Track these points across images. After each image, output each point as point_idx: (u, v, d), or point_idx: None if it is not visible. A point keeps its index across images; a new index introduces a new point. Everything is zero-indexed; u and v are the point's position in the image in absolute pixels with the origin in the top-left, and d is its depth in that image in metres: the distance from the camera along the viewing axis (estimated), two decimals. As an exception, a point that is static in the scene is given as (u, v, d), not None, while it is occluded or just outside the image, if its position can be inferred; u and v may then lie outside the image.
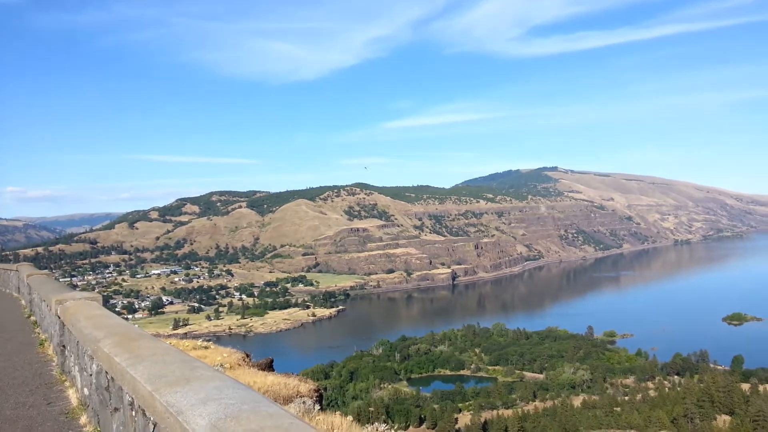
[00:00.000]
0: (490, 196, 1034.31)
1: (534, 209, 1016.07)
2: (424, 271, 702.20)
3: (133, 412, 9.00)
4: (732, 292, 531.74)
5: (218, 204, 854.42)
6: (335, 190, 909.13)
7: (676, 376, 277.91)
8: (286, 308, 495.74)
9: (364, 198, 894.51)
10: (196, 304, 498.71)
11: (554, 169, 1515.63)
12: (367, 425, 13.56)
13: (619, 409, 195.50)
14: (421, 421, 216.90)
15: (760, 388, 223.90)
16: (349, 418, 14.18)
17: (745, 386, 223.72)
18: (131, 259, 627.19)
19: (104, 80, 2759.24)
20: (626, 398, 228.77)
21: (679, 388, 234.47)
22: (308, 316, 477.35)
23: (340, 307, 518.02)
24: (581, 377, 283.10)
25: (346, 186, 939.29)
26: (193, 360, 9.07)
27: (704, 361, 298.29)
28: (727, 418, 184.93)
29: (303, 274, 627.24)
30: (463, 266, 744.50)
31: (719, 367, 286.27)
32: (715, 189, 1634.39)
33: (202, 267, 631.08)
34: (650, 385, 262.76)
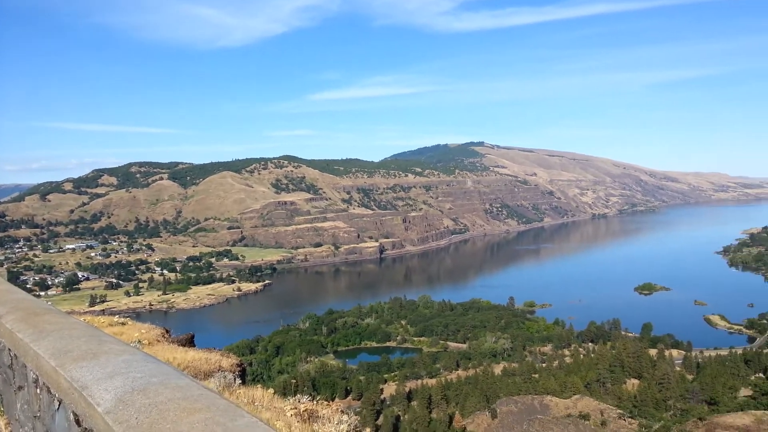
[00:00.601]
0: (419, 170, 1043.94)
1: (461, 183, 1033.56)
2: (352, 245, 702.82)
3: (38, 390, 8.49)
4: (643, 264, 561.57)
5: (138, 176, 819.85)
6: (262, 163, 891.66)
7: (590, 344, 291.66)
8: (210, 283, 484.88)
9: (292, 171, 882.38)
10: (115, 280, 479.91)
11: (481, 144, 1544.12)
12: (289, 397, 12.17)
13: (537, 375, 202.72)
14: (347, 393, 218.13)
15: (666, 353, 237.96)
16: (271, 390, 12.84)
17: (653, 351, 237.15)
18: (43, 233, 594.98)
19: (11, 41, 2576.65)
20: (544, 365, 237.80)
21: (593, 355, 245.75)
22: (233, 291, 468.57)
23: (267, 282, 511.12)
24: (502, 346, 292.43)
25: (274, 158, 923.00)
26: (102, 334, 8.64)
27: (617, 329, 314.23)
28: (636, 381, 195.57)
29: (228, 248, 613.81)
30: (391, 240, 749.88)
31: (630, 335, 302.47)
32: (631, 165, 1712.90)
33: (121, 241, 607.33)
34: (566, 352, 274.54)
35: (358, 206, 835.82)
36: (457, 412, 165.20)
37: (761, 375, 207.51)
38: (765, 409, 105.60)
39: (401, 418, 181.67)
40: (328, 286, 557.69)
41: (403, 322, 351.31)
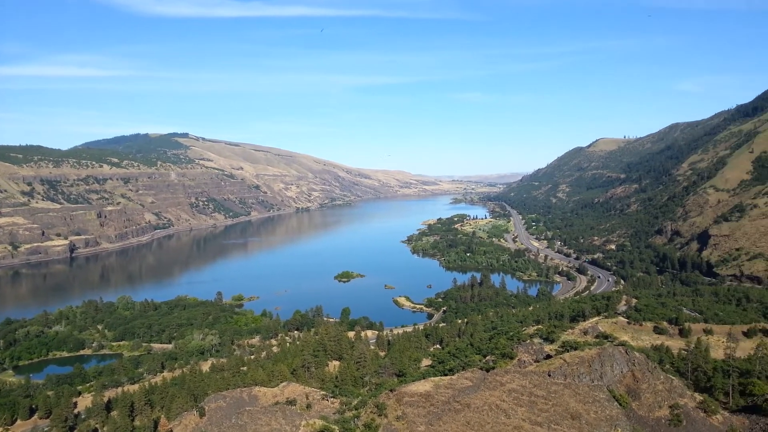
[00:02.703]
0: (116, 160, 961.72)
1: (164, 176, 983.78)
2: (35, 244, 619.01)
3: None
4: (342, 253, 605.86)
5: None
6: None
7: (296, 332, 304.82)
8: None
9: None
10: None
11: (185, 135, 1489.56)
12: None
13: (245, 368, 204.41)
14: (32, 412, 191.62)
15: (363, 334, 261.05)
16: None
17: (351, 334, 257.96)
18: None
19: None
20: (252, 357, 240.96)
21: (298, 342, 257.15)
22: None
23: None
24: (210, 342, 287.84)
25: None
26: None
27: (319, 315, 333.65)
28: (337, 362, 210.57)
29: None
30: (83, 237, 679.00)
31: (331, 320, 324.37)
32: (330, 162, 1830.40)
33: None
34: (274, 342, 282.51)
35: (43, 200, 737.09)
36: (162, 416, 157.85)
37: (438, 346, 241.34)
38: (442, 375, 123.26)
39: (98, 431, 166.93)
40: (5, 293, 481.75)
41: (99, 327, 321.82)
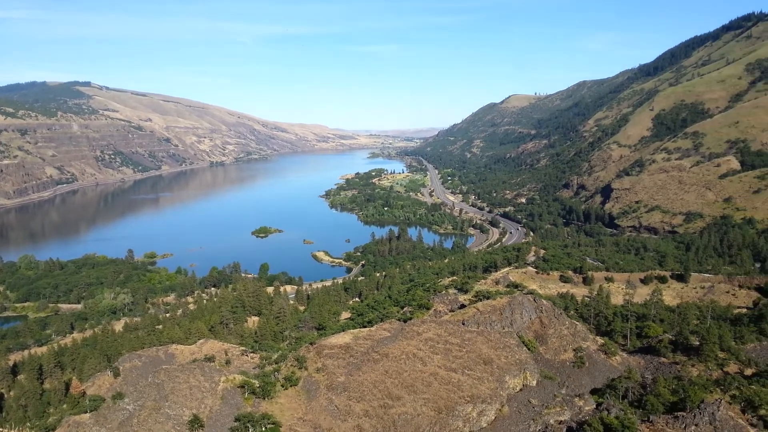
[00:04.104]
0: (11, 110, 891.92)
1: (65, 128, 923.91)
2: None
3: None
4: (259, 208, 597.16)
5: None
6: None
7: (213, 288, 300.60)
8: None
9: None
10: None
11: (87, 84, 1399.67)
12: None
13: (161, 326, 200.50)
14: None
15: (282, 289, 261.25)
16: None
17: (270, 289, 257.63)
18: None
19: None
20: (168, 315, 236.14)
21: (215, 299, 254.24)
22: None
23: None
24: (122, 301, 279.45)
25: None
26: None
27: (237, 272, 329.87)
28: (256, 318, 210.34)
29: None
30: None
31: (250, 276, 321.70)
32: (245, 115, 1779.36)
33: None
34: (190, 299, 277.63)
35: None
36: (74, 377, 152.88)
37: (357, 299, 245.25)
38: (361, 328, 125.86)
39: (5, 396, 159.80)
40: None
41: (0, 288, 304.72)
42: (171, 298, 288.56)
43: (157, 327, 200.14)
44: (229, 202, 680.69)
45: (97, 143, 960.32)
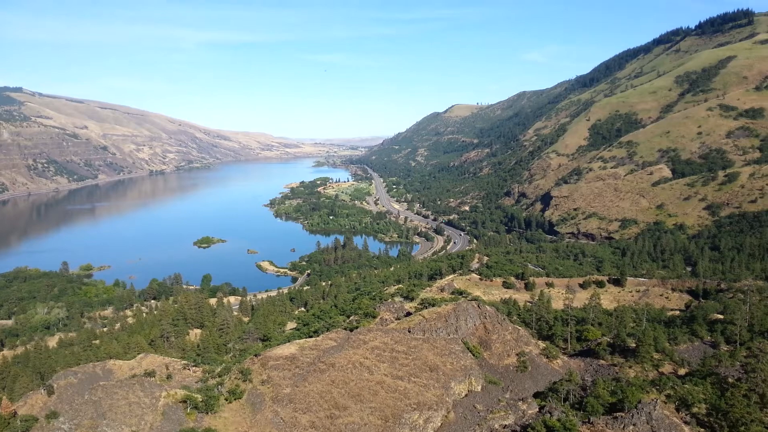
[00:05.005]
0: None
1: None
2: None
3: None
4: (201, 218, 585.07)
5: None
6: None
7: (153, 301, 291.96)
8: None
9: None
10: None
11: (19, 90, 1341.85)
12: None
13: (98, 341, 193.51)
14: None
15: (225, 300, 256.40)
16: None
17: (213, 301, 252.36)
18: None
19: None
20: (105, 329, 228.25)
21: (156, 312, 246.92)
22: None
23: None
24: (56, 316, 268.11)
25: None
26: None
27: (178, 283, 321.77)
28: (199, 331, 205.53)
29: None
30: None
31: (192, 287, 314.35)
32: (186, 122, 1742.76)
33: None
34: (129, 312, 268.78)
35: None
36: (4, 397, 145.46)
37: (303, 309, 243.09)
38: (307, 338, 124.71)
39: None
40: None
41: None
42: (108, 311, 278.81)
43: (93, 342, 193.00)
44: (170, 212, 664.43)
45: (30, 151, 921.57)
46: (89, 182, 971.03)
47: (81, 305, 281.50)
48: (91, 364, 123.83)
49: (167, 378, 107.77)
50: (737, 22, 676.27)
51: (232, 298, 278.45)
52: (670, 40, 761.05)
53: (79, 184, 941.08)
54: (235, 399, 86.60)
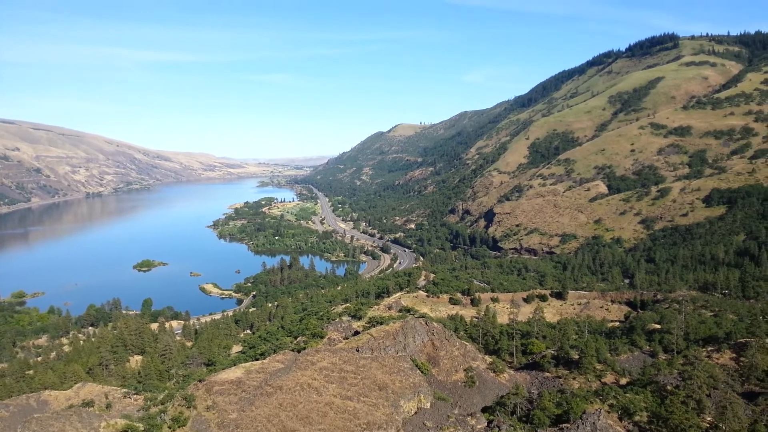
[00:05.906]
0: None
1: None
2: None
3: None
4: (141, 241, 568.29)
5: None
6: None
7: (91, 328, 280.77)
8: None
9: None
10: None
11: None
12: None
13: (32, 371, 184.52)
14: None
15: (167, 324, 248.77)
16: None
17: (154, 326, 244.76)
18: None
19: None
20: (39, 359, 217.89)
21: (93, 339, 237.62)
22: None
23: None
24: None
25: None
26: None
27: (117, 308, 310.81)
28: (139, 357, 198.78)
29: None
30: None
31: (131, 312, 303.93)
32: (124, 143, 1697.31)
33: None
34: (65, 340, 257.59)
35: None
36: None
37: (249, 331, 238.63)
38: (253, 361, 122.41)
39: None
40: None
41: None
42: (43, 340, 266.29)
43: (27, 372, 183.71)
44: (108, 235, 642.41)
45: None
46: (21, 206, 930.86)
47: (13, 334, 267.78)
48: (24, 395, 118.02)
49: (107, 407, 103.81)
50: (664, 45, 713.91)
51: (174, 323, 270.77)
52: (602, 61, 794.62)
53: (11, 208, 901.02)
54: (178, 427, 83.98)
